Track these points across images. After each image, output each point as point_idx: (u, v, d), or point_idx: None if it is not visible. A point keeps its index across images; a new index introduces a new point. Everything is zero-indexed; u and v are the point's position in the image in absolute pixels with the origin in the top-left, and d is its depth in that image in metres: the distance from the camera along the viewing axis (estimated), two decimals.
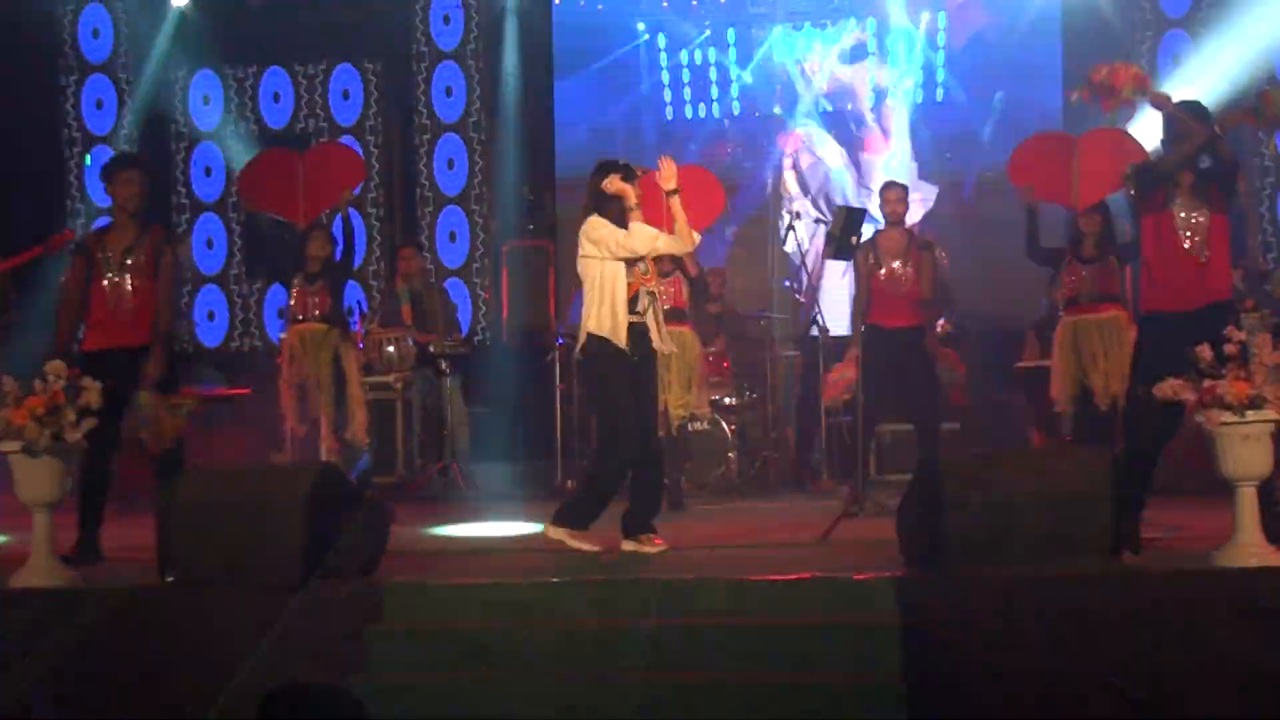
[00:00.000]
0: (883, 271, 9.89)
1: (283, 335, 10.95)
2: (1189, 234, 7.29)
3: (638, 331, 7.57)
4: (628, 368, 7.52)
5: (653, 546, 7.57)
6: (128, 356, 7.88)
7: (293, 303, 10.47)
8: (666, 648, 6.11)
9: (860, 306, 9.92)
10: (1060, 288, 9.71)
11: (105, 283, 8.00)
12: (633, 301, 7.56)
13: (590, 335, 7.53)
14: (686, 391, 10.00)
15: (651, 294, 7.65)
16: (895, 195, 10.12)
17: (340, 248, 10.50)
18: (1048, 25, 13.55)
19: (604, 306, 7.50)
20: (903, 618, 6.12)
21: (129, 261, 8.02)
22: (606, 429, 7.70)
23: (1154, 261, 7.36)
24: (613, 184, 7.59)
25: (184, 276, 13.74)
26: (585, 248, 7.57)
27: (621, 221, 7.55)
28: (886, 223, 10.12)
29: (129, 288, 8.00)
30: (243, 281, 14.56)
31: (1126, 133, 9.91)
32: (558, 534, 7.61)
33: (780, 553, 7.70)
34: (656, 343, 7.65)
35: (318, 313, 10.37)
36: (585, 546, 7.53)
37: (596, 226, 7.56)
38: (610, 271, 7.53)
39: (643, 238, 7.54)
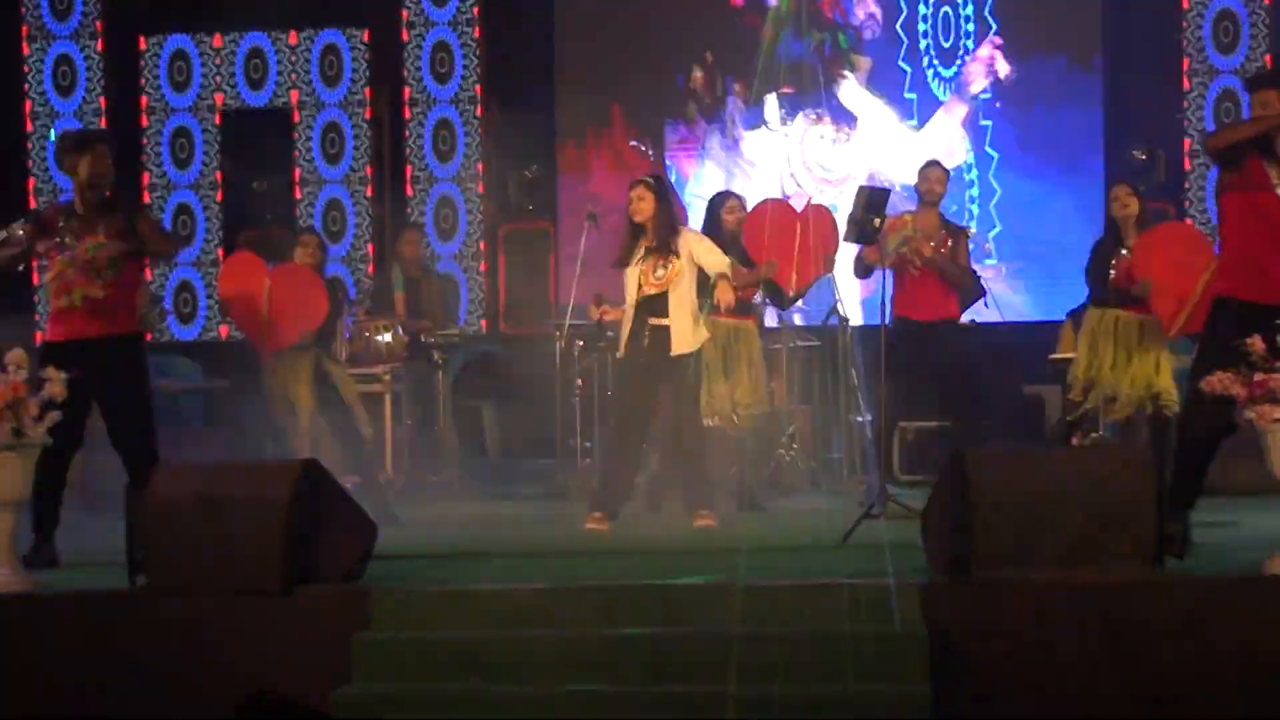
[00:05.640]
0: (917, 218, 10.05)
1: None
2: None
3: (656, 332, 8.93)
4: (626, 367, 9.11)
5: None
6: (94, 348, 7.89)
7: None
8: (672, 658, 6.13)
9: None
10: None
11: (70, 269, 7.98)
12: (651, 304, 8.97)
13: None
14: (756, 388, 10.05)
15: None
16: (937, 175, 10.24)
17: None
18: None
19: None
20: (929, 627, 6.13)
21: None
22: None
23: (1245, 244, 7.31)
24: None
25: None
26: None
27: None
28: (921, 203, 10.20)
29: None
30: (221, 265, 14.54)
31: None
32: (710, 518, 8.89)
33: (796, 557, 7.71)
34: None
35: None
36: None
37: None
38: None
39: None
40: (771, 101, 14.15)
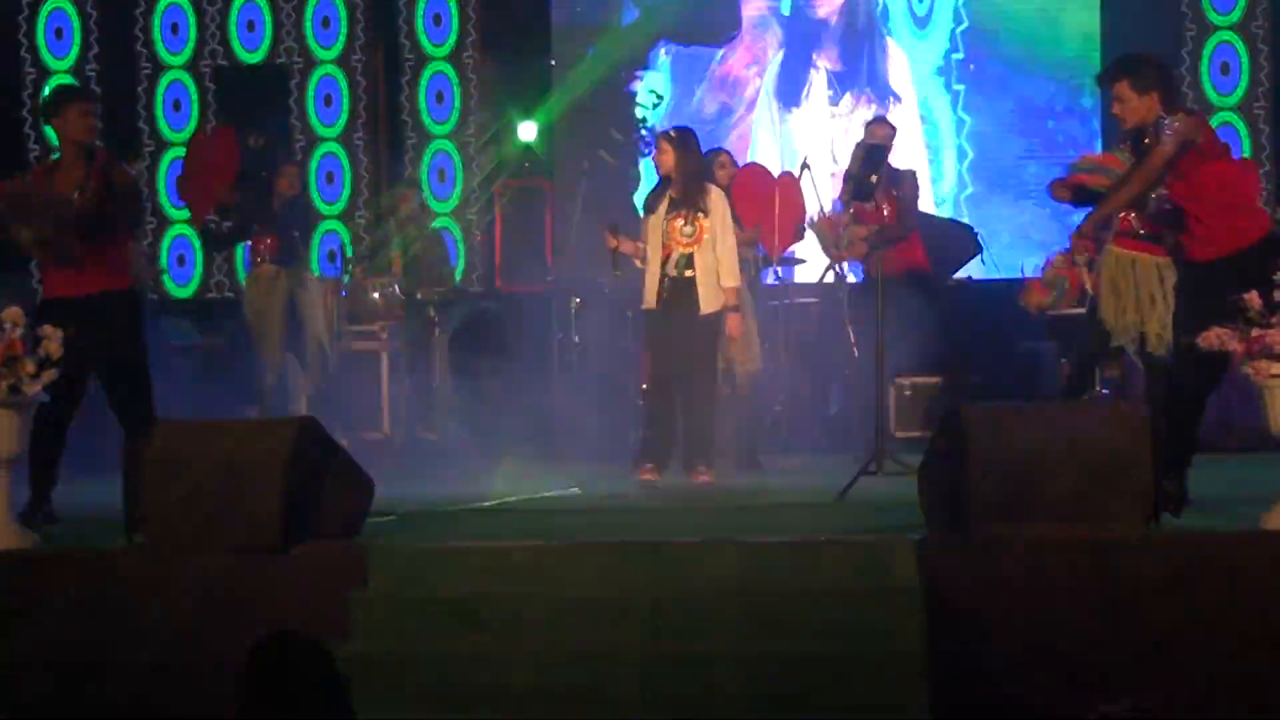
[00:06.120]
0: (852, 210, 10.25)
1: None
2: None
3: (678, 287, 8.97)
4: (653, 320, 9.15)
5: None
6: (89, 304, 7.87)
7: (253, 244, 10.57)
8: (670, 616, 6.14)
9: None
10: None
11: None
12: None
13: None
14: (752, 343, 10.09)
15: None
16: (884, 131, 10.46)
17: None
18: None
19: None
20: (924, 582, 6.14)
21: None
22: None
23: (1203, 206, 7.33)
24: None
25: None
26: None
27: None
28: None
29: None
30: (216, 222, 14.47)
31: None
32: (708, 474, 8.97)
33: (794, 513, 7.73)
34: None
35: (268, 254, 10.45)
36: None
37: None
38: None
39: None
40: (819, 79, 14.02)
